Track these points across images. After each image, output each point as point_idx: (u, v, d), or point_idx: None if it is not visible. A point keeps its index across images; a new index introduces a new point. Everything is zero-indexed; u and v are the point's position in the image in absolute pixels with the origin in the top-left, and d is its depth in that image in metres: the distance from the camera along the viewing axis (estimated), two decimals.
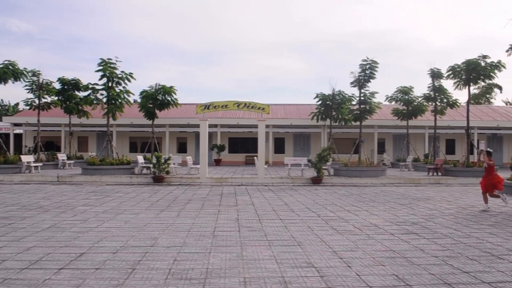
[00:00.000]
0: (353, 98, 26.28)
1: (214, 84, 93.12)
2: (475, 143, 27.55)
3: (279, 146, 34.21)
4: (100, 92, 21.29)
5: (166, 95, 25.02)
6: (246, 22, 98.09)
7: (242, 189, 15.30)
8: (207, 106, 18.22)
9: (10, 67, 21.12)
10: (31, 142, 31.51)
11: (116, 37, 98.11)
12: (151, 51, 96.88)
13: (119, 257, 5.75)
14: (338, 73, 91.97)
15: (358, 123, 23.26)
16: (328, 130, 29.25)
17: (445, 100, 25.56)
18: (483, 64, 20.81)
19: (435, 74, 24.54)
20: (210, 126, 25.38)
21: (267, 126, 26.22)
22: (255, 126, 21.69)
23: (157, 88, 24.98)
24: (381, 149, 33.03)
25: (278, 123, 32.06)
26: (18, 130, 34.28)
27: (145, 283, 4.64)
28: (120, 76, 20.88)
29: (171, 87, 24.94)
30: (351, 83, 22.23)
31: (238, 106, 18.54)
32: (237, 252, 6.04)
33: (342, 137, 32.45)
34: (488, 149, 11.17)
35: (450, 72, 22.17)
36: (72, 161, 25.09)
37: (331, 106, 27.62)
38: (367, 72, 21.35)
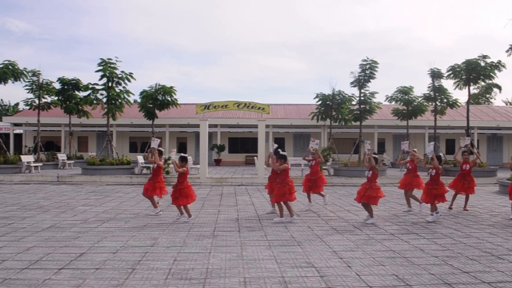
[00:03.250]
0: (353, 98, 26.23)
1: (214, 84, 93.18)
2: (475, 143, 27.54)
3: (279, 146, 34.12)
4: (100, 92, 21.30)
5: (166, 95, 24.97)
6: (246, 22, 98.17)
7: (242, 189, 15.29)
8: (207, 106, 18.21)
9: (10, 67, 21.09)
10: (31, 142, 31.50)
11: (116, 37, 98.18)
12: (151, 51, 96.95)
13: (119, 257, 5.75)
14: (338, 73, 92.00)
15: (358, 123, 23.27)
16: (328, 130, 29.24)
17: (445, 100, 25.49)
18: (483, 64, 20.82)
19: (435, 74, 24.48)
20: (210, 126, 25.37)
21: (267, 126, 26.20)
22: (255, 126, 21.69)
23: (157, 88, 24.97)
24: (381, 149, 33.03)
25: (278, 123, 32.03)
26: (18, 130, 34.26)
27: (145, 283, 4.64)
28: (120, 76, 20.88)
29: (171, 87, 24.92)
30: (351, 83, 22.23)
31: (238, 106, 18.54)
32: (237, 252, 6.04)
33: (342, 137, 32.44)
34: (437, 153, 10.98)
35: (450, 72, 22.19)
36: (72, 161, 25.10)
37: (331, 106, 27.58)
38: (367, 72, 21.34)
